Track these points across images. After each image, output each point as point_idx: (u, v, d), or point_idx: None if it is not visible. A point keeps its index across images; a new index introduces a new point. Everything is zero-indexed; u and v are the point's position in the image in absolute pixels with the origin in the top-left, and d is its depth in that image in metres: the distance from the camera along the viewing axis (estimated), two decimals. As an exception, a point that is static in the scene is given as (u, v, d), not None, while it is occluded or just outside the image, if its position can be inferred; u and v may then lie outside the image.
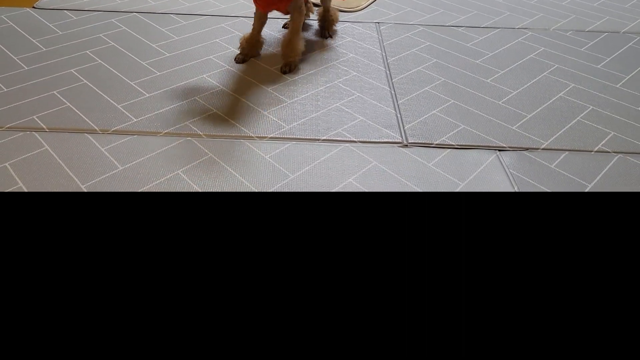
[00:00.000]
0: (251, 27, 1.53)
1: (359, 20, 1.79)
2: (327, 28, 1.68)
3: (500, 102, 1.39)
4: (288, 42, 1.47)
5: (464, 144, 1.23)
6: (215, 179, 1.09)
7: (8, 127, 1.21)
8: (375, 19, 1.81)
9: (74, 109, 1.29)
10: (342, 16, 1.81)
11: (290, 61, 1.48)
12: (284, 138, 1.22)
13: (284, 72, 1.47)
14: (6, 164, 1.10)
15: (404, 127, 1.28)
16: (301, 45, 1.49)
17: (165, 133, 1.21)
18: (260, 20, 1.52)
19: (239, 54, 1.53)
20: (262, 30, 1.54)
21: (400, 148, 1.21)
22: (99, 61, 1.49)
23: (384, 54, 1.59)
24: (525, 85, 1.47)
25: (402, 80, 1.47)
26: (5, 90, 1.35)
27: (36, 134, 1.19)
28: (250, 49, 1.53)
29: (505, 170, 1.16)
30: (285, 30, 1.69)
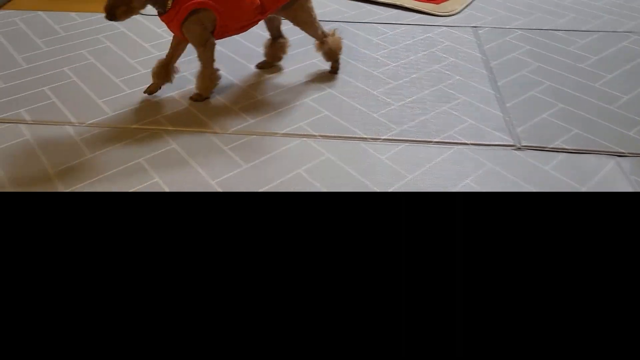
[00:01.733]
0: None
1: (455, 25, 1.80)
2: (328, 61, 1.50)
3: (612, 107, 1.36)
4: (199, 75, 1.36)
5: (579, 148, 1.21)
6: (335, 178, 1.13)
7: None
8: (471, 23, 1.81)
9: (57, 103, 1.38)
10: (437, 20, 1.82)
11: (199, 93, 1.38)
12: (397, 140, 1.25)
13: (193, 99, 1.38)
14: None
15: (515, 131, 1.27)
16: (208, 80, 1.35)
17: (233, 131, 1.27)
18: (173, 46, 1.35)
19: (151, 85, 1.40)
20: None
21: (514, 151, 1.21)
22: (92, 60, 1.59)
23: (485, 58, 1.59)
24: (638, 90, 1.43)
25: (506, 84, 1.46)
26: (3, 86, 1.46)
27: (20, 126, 1.29)
28: (157, 75, 1.37)
29: (626, 177, 1.13)
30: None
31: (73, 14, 1.89)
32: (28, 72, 1.53)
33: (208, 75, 1.35)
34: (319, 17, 1.84)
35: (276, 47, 1.51)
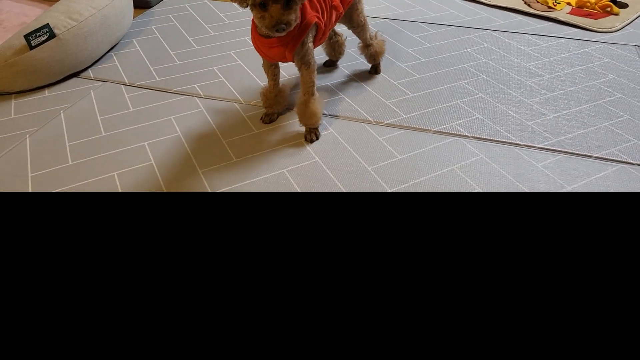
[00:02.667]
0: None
1: (616, 42, 1.72)
2: (370, 63, 1.52)
3: None
4: (303, 107, 1.23)
5: None
6: (489, 178, 1.13)
7: (175, 91, 1.48)
8: (634, 42, 1.71)
9: (226, 82, 1.51)
10: (594, 36, 1.75)
11: (311, 129, 1.27)
12: (554, 150, 1.22)
13: (311, 141, 1.26)
14: (171, 117, 1.37)
15: (687, 156, 1.20)
16: (319, 108, 1.24)
17: (386, 124, 1.29)
18: (270, 70, 1.28)
19: (264, 114, 1.33)
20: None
21: (686, 177, 1.14)
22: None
23: (650, 78, 1.51)
24: None
25: (676, 107, 1.38)
26: (178, 62, 1.63)
27: (196, 99, 1.44)
28: (272, 104, 1.32)
29: None
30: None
31: (236, 4, 2.04)
32: (199, 53, 1.69)
33: (315, 100, 1.23)
34: (469, 25, 1.86)
35: (333, 45, 1.51)
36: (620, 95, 1.43)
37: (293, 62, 1.20)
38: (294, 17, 1.05)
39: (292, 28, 1.06)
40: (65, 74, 1.53)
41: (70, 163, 1.20)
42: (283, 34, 1.07)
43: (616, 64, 1.59)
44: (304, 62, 1.18)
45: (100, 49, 1.62)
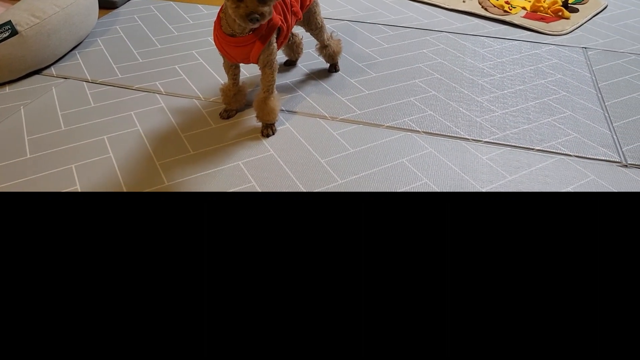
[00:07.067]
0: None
1: (565, 44, 1.80)
2: (328, 62, 1.58)
3: None
4: (262, 103, 1.27)
5: (690, 172, 1.19)
6: (436, 170, 1.19)
7: (137, 88, 1.51)
8: (582, 44, 1.80)
9: (187, 80, 1.55)
10: (545, 39, 1.83)
11: (267, 124, 1.31)
12: (499, 144, 1.28)
13: (267, 136, 1.30)
14: (131, 113, 1.40)
15: (621, 149, 1.27)
16: (277, 105, 1.29)
17: (341, 119, 1.34)
18: (230, 69, 1.31)
19: (223, 109, 1.38)
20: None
21: (620, 167, 1.21)
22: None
23: (594, 77, 1.59)
24: None
25: (616, 104, 1.45)
26: (141, 61, 1.67)
27: (157, 95, 1.48)
28: (231, 102, 1.36)
29: None
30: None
31: (200, 6, 2.08)
32: (162, 52, 1.72)
33: (276, 97, 1.29)
34: (427, 27, 1.93)
35: (291, 46, 1.56)
36: (565, 94, 1.51)
37: (257, 63, 1.23)
38: (268, 11, 1.08)
39: (264, 21, 1.10)
40: (27, 70, 1.54)
41: (29, 156, 1.22)
42: (256, 25, 1.10)
43: (563, 65, 1.67)
44: (267, 63, 1.22)
45: (63, 47, 1.64)
